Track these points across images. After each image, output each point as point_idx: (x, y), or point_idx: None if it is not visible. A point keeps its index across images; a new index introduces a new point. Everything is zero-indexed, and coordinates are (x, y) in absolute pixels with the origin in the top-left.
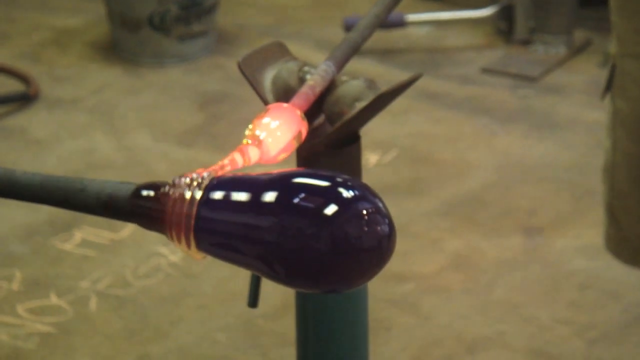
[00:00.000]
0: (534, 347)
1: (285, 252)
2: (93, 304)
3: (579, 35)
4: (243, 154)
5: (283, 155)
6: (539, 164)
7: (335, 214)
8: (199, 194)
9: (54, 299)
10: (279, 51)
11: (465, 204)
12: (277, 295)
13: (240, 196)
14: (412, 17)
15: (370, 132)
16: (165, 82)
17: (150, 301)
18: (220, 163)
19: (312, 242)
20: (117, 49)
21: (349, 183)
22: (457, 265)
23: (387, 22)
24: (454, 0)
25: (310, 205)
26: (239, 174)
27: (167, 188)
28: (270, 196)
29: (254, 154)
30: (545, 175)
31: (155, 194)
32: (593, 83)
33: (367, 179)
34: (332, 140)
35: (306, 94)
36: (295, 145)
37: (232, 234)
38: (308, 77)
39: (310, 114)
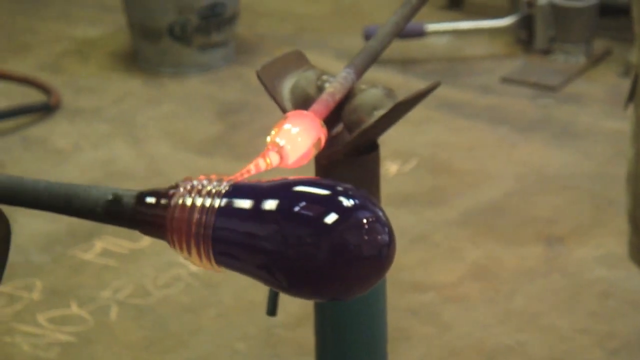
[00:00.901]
0: (554, 357)
1: (287, 260)
2: (113, 313)
3: (599, 44)
4: (264, 160)
5: (302, 162)
6: (558, 173)
7: (335, 222)
8: (217, 202)
9: (74, 309)
10: (298, 60)
11: (485, 213)
12: (296, 305)
13: (245, 204)
14: (432, 26)
15: (390, 141)
16: (185, 91)
17: (170, 311)
18: (243, 170)
19: (312, 250)
20: (138, 59)
21: (350, 192)
22: (477, 274)
23: (407, 32)
24: (474, 10)
25: (311, 213)
26: (247, 181)
27: (171, 195)
28: (271, 204)
29: (274, 160)
30: (565, 184)
31: (158, 201)
32: (613, 92)
33: (387, 188)
34: (350, 148)
35: (326, 100)
36: (314, 152)
37: (236, 242)
38: (327, 85)
39: (329, 122)
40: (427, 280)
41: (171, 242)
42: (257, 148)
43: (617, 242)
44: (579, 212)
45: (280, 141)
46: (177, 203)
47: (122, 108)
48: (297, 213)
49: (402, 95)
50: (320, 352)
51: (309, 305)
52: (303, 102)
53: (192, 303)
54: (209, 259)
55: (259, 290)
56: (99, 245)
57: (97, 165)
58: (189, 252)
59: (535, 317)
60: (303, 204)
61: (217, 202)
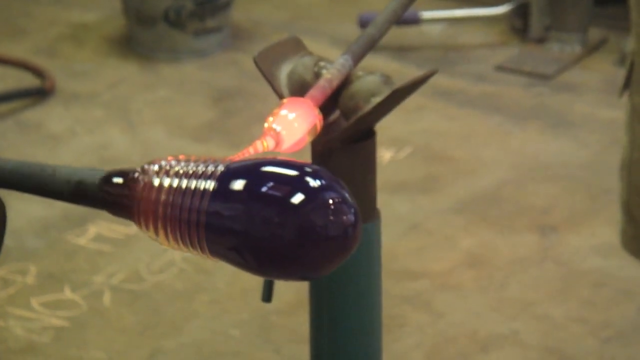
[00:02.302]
0: (547, 345)
1: (255, 241)
2: (107, 298)
3: (594, 33)
4: (261, 144)
5: (297, 148)
6: (553, 162)
7: (301, 202)
8: (184, 183)
9: (68, 293)
10: (295, 46)
11: (479, 201)
12: (291, 292)
13: (213, 185)
14: (426, 14)
15: (384, 128)
16: (180, 77)
17: (164, 296)
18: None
19: (279, 230)
20: (133, 44)
21: (317, 173)
22: (471, 262)
23: (402, 19)
24: None
25: (277, 193)
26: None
27: (139, 176)
28: (238, 185)
29: (270, 145)
30: (560, 173)
31: (125, 181)
32: (608, 81)
33: (380, 176)
34: (347, 135)
35: (323, 87)
36: (309, 138)
37: (203, 223)
38: (324, 72)
39: (325, 109)
40: (421, 268)
41: (138, 223)
42: (252, 134)
43: (612, 231)
44: (573, 201)
45: (277, 127)
46: (144, 184)
47: (117, 93)
48: (264, 193)
49: (398, 82)
50: (315, 339)
51: (303, 292)
52: (300, 88)
53: (186, 289)
54: (176, 240)
55: (253, 277)
56: (92, 230)
57: (92, 150)
58: (157, 233)
59: (529, 306)
60: (270, 184)
61: (185, 183)
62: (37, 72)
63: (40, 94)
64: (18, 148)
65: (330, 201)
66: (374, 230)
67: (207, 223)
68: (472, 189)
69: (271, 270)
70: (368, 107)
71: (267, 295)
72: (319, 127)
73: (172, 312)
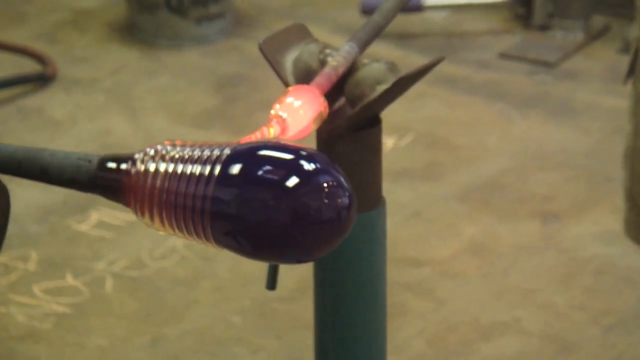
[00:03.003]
0: (549, 333)
1: (250, 225)
2: (109, 285)
3: (598, 20)
4: (267, 130)
5: (301, 135)
6: (556, 149)
7: (296, 186)
8: (180, 168)
9: (69, 280)
10: (301, 33)
11: (481, 189)
12: (293, 278)
13: (207, 169)
14: (430, 1)
15: (386, 116)
16: (182, 64)
17: (166, 283)
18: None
19: (274, 213)
20: (134, 31)
21: (311, 156)
22: (473, 250)
23: (405, 6)
24: None
25: (272, 177)
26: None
27: (133, 161)
28: (233, 169)
29: (276, 131)
30: (562, 161)
31: (119, 166)
32: (611, 69)
33: (383, 162)
34: (352, 122)
35: (329, 74)
36: (313, 126)
37: (197, 208)
38: (329, 59)
39: (331, 96)
40: (423, 256)
41: (133, 208)
42: (255, 121)
43: (614, 219)
44: (576, 188)
45: (283, 113)
46: (139, 169)
47: (119, 79)
48: (258, 176)
49: (403, 69)
50: (319, 327)
51: (305, 280)
52: (305, 75)
53: (187, 275)
54: (172, 226)
55: (254, 264)
56: (94, 216)
57: (93, 136)
58: (152, 219)
59: (531, 294)
60: (265, 167)
61: (180, 168)
62: (38, 58)
63: (42, 80)
64: (19, 134)
65: (325, 184)
66: (380, 217)
67: (213, 209)
68: (475, 176)
69: (266, 253)
70: (373, 95)
71: (272, 283)
72: (324, 115)
73: (174, 299)
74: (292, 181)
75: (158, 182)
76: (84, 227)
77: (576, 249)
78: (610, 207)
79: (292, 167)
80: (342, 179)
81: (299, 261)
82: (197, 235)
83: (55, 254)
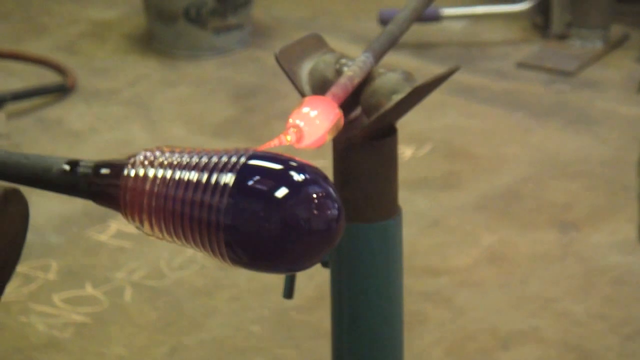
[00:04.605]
0: (568, 342)
1: (244, 235)
2: (128, 294)
3: (616, 30)
4: (284, 138)
5: (316, 145)
6: (574, 158)
7: (285, 196)
8: (177, 174)
9: (89, 290)
10: (317, 43)
11: (499, 198)
12: (311, 288)
13: (197, 176)
14: (447, 11)
15: (405, 125)
16: (200, 74)
17: (185, 292)
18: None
19: (265, 223)
20: (153, 42)
21: (302, 168)
22: (492, 259)
23: (423, 16)
24: None
25: (263, 188)
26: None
27: (125, 167)
28: (225, 178)
29: (292, 139)
30: (581, 170)
31: (113, 172)
32: (629, 78)
33: (401, 172)
34: (368, 132)
35: (344, 84)
36: (328, 137)
37: (186, 215)
38: (345, 69)
39: (347, 106)
40: (441, 265)
41: (124, 214)
42: (272, 131)
43: (632, 228)
44: (594, 197)
45: (300, 122)
46: (130, 174)
47: (138, 90)
48: (250, 187)
49: (419, 79)
50: (337, 336)
51: (323, 288)
52: (321, 85)
53: (206, 285)
54: (161, 230)
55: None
56: (114, 226)
57: (113, 147)
58: (142, 224)
59: (549, 302)
60: (256, 178)
61: (176, 174)
62: (58, 69)
63: (62, 91)
64: (39, 145)
65: (314, 195)
66: (396, 226)
67: (204, 216)
68: (493, 185)
69: (257, 263)
70: (389, 105)
71: (289, 292)
72: (340, 125)
73: (193, 309)
74: (282, 192)
75: (148, 187)
76: (103, 237)
77: (595, 258)
78: (629, 216)
79: (283, 178)
80: (332, 190)
81: (289, 271)
82: (186, 239)
83: (75, 264)
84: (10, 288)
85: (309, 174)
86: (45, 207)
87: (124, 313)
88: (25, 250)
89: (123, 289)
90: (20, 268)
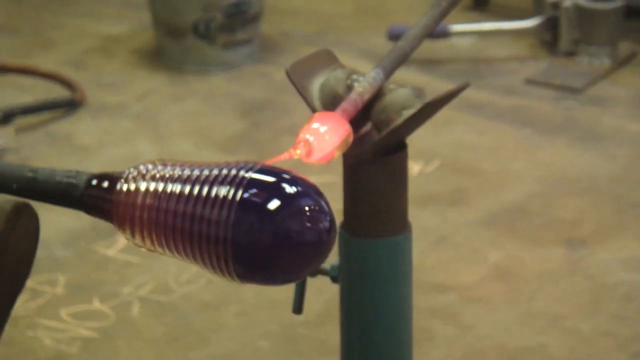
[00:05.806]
0: (575, 359)
1: (240, 248)
2: (135, 309)
3: (624, 47)
4: (294, 152)
5: (324, 160)
6: (582, 175)
7: (278, 209)
8: (170, 188)
9: (97, 304)
10: (327, 59)
11: (507, 214)
12: (319, 303)
13: (190, 189)
14: (456, 27)
15: (413, 141)
16: (209, 89)
17: (192, 307)
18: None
19: (258, 235)
20: (162, 57)
21: (294, 180)
22: (499, 275)
23: (432, 32)
24: (499, 11)
25: (256, 200)
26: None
27: (118, 180)
28: (220, 191)
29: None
30: (588, 186)
31: (106, 184)
32: (637, 95)
33: (409, 188)
34: (379, 148)
35: (355, 100)
36: (338, 152)
37: (182, 228)
38: (356, 84)
39: (357, 122)
40: (449, 281)
41: (117, 226)
42: (281, 146)
43: None
44: (602, 214)
45: (310, 137)
46: (122, 188)
47: (146, 105)
48: (244, 200)
49: (429, 95)
50: (346, 351)
51: (331, 304)
52: (332, 100)
53: (214, 300)
54: (152, 242)
55: (280, 288)
56: (121, 241)
57: (121, 161)
58: (133, 236)
59: (557, 320)
60: (251, 190)
61: (170, 187)
62: (67, 83)
63: (71, 105)
64: (48, 159)
65: (307, 208)
66: (405, 242)
67: (196, 229)
68: (501, 202)
69: (250, 274)
70: (399, 120)
71: (298, 307)
72: (349, 141)
73: (201, 323)
74: (274, 204)
75: (139, 200)
76: (111, 252)
77: (602, 275)
78: (637, 233)
79: (275, 190)
80: (323, 202)
81: (281, 282)
82: (177, 251)
83: (83, 279)
84: (17, 302)
85: (300, 186)
86: (53, 221)
87: (131, 328)
88: (34, 265)
89: (130, 304)
90: (28, 282)
